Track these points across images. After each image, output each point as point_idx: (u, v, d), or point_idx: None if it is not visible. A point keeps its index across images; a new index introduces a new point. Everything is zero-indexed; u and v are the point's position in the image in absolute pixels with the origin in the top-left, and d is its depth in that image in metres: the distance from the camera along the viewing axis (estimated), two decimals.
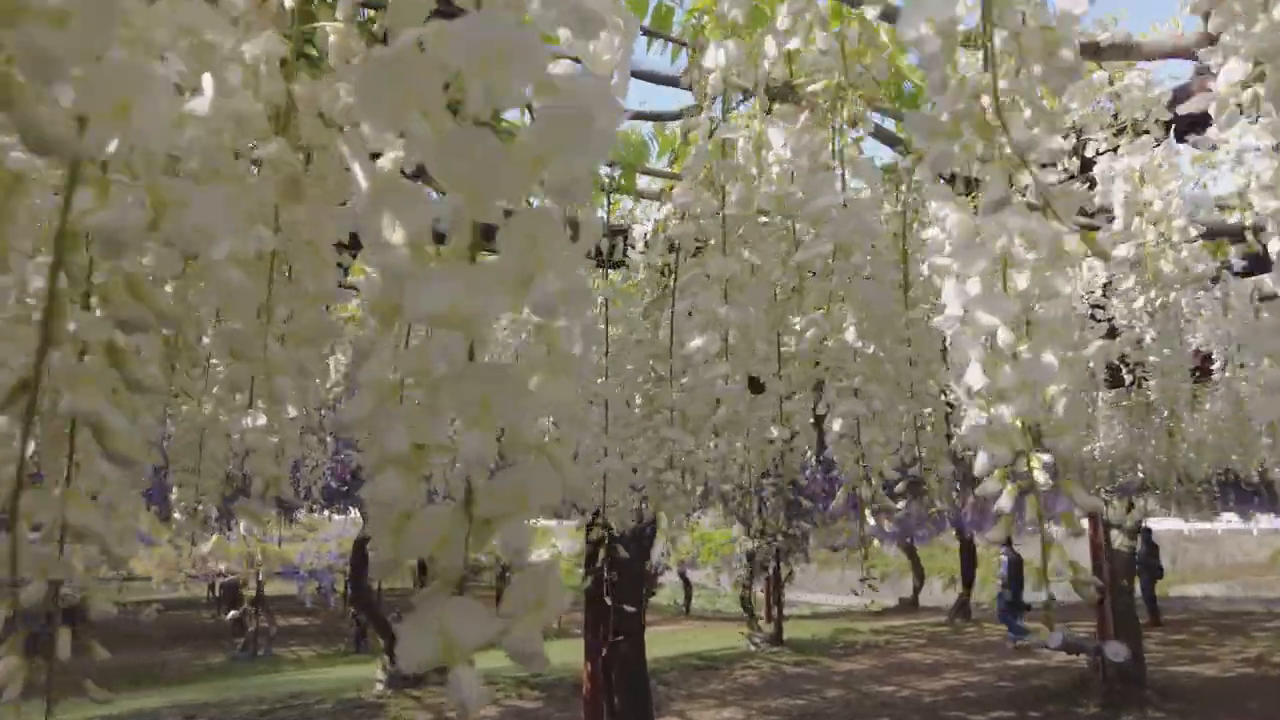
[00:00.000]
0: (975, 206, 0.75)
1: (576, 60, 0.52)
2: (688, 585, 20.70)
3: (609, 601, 7.57)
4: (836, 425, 1.20)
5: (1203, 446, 4.25)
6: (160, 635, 18.23)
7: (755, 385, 0.86)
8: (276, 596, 18.23)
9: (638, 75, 1.70)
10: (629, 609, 7.19)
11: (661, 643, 15.31)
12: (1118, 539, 9.65)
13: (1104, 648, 8.56)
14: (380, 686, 10.67)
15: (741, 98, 1.09)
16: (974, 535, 15.57)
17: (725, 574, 18.96)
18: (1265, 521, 18.30)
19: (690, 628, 18.37)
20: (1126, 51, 1.36)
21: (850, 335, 1.15)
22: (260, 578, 16.82)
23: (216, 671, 15.93)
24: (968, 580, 16.15)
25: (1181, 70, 2.28)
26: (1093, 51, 1.28)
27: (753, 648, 13.22)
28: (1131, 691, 9.31)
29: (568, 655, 10.24)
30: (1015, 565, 13.32)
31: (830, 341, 1.17)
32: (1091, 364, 3.01)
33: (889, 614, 18.65)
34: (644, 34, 1.74)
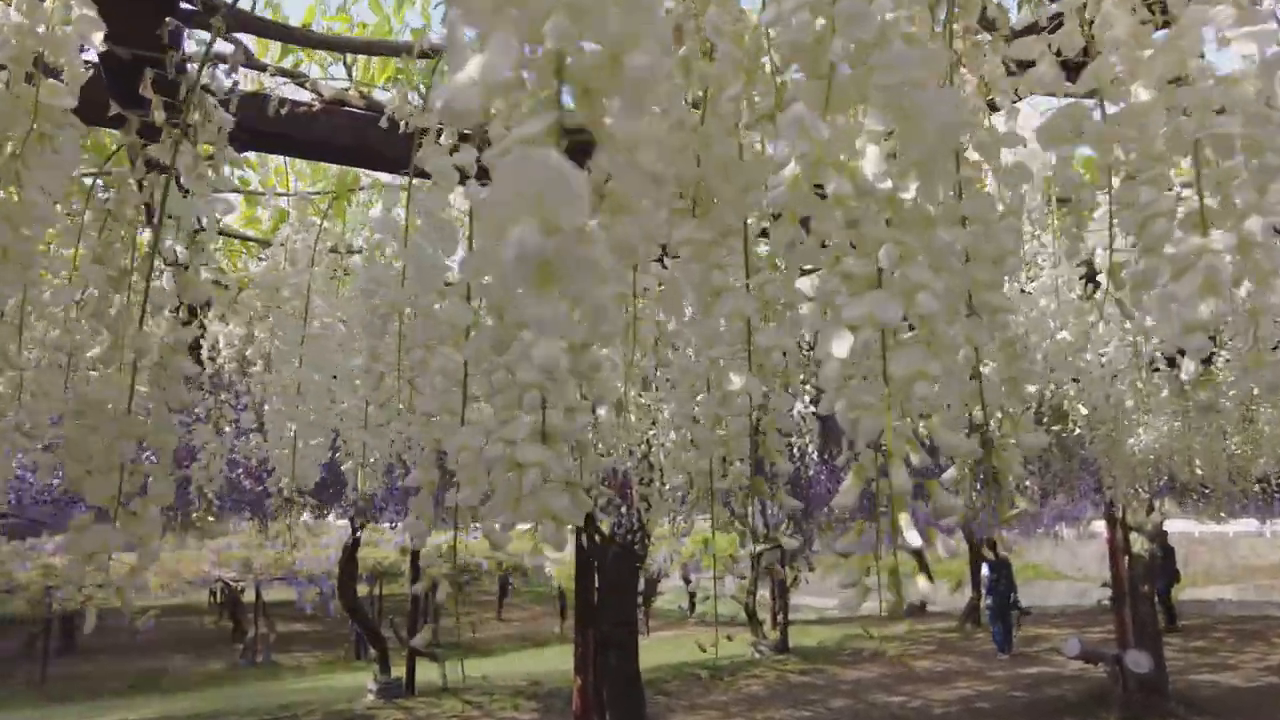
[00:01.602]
0: None
1: None
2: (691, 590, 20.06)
3: (603, 609, 7.01)
4: (840, 348, 0.61)
5: (1259, 439, 3.63)
6: (162, 641, 17.72)
7: (580, 152, 0.31)
8: (277, 602, 17.69)
9: None
10: (621, 616, 6.60)
11: (663, 649, 14.67)
12: (1137, 542, 8.99)
13: (1124, 657, 7.91)
14: (371, 697, 10.08)
15: None
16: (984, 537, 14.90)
17: (730, 577, 18.35)
18: None
19: (693, 633, 17.73)
20: None
21: (873, 161, 0.57)
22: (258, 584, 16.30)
23: (216, 679, 15.39)
24: (977, 584, 15.44)
25: None
26: None
27: (757, 655, 12.58)
28: (1154, 702, 8.64)
29: (567, 663, 9.65)
30: (1002, 568, 12.61)
31: (831, 186, 0.59)
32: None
33: (895, 619, 17.96)
34: None
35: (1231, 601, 17.53)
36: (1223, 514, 14.11)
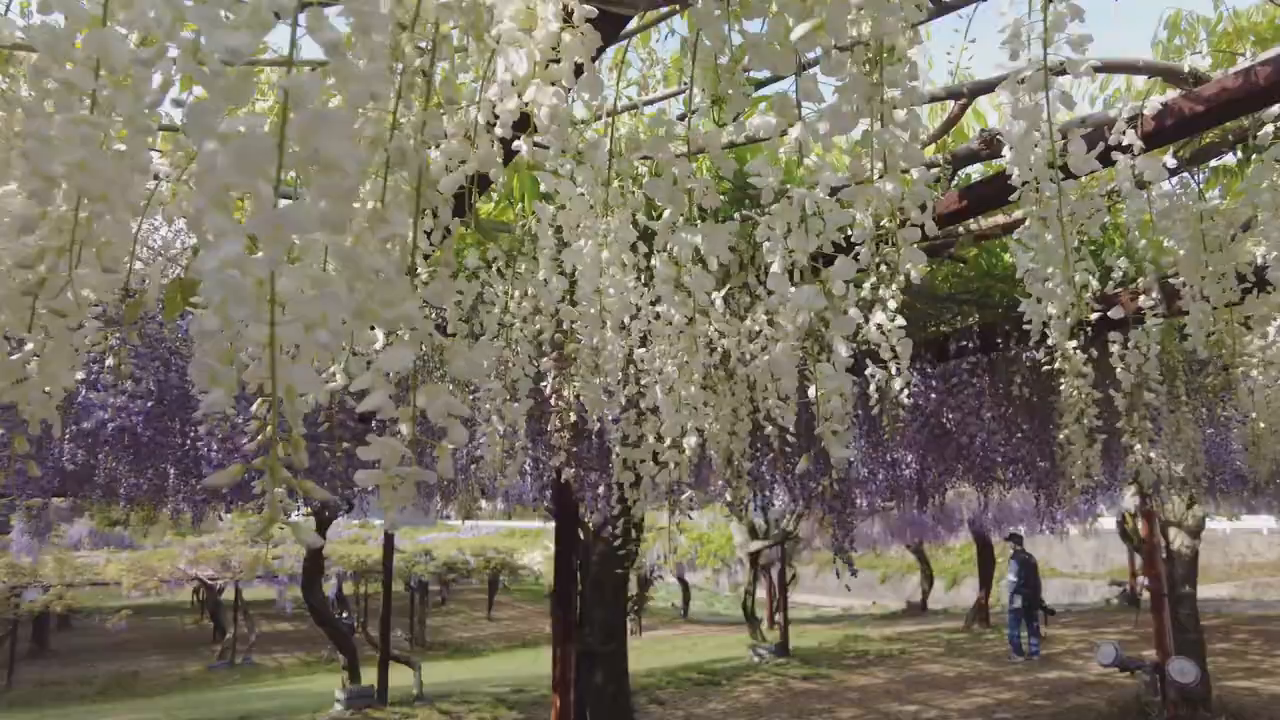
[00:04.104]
0: None
1: None
2: (685, 588, 18.91)
3: (585, 613, 5.82)
4: None
5: None
6: (139, 643, 16.51)
7: None
8: (259, 601, 16.49)
9: None
10: (607, 627, 5.46)
11: (657, 651, 13.50)
12: (1177, 539, 7.88)
13: (1169, 666, 6.67)
14: (339, 706, 8.90)
15: None
16: (990, 534, 13.81)
17: (724, 576, 17.25)
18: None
19: (688, 633, 16.57)
20: None
21: None
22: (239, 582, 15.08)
23: (192, 682, 14.19)
24: (985, 582, 14.30)
25: None
26: None
27: (756, 659, 11.43)
28: (1197, 714, 7.54)
29: (550, 667, 8.51)
30: (1027, 568, 11.53)
31: None
32: None
33: (896, 619, 16.85)
34: None
35: (1246, 601, 16.44)
36: (1239, 509, 13.05)
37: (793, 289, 0.84)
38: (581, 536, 5.43)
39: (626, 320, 1.51)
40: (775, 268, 0.85)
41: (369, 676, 9.36)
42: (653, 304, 1.44)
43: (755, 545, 11.81)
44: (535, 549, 17.86)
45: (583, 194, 1.26)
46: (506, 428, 1.63)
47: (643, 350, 1.56)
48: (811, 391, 0.89)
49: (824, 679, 10.19)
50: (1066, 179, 1.13)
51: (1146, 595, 10.74)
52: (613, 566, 5.29)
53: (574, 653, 5.16)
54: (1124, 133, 1.39)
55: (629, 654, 6.59)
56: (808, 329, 0.82)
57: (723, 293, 1.63)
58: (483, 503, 9.56)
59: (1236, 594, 18.36)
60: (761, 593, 14.08)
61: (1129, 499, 11.29)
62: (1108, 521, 14.63)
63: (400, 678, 9.62)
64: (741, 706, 9.03)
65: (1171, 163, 1.32)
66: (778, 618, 12.46)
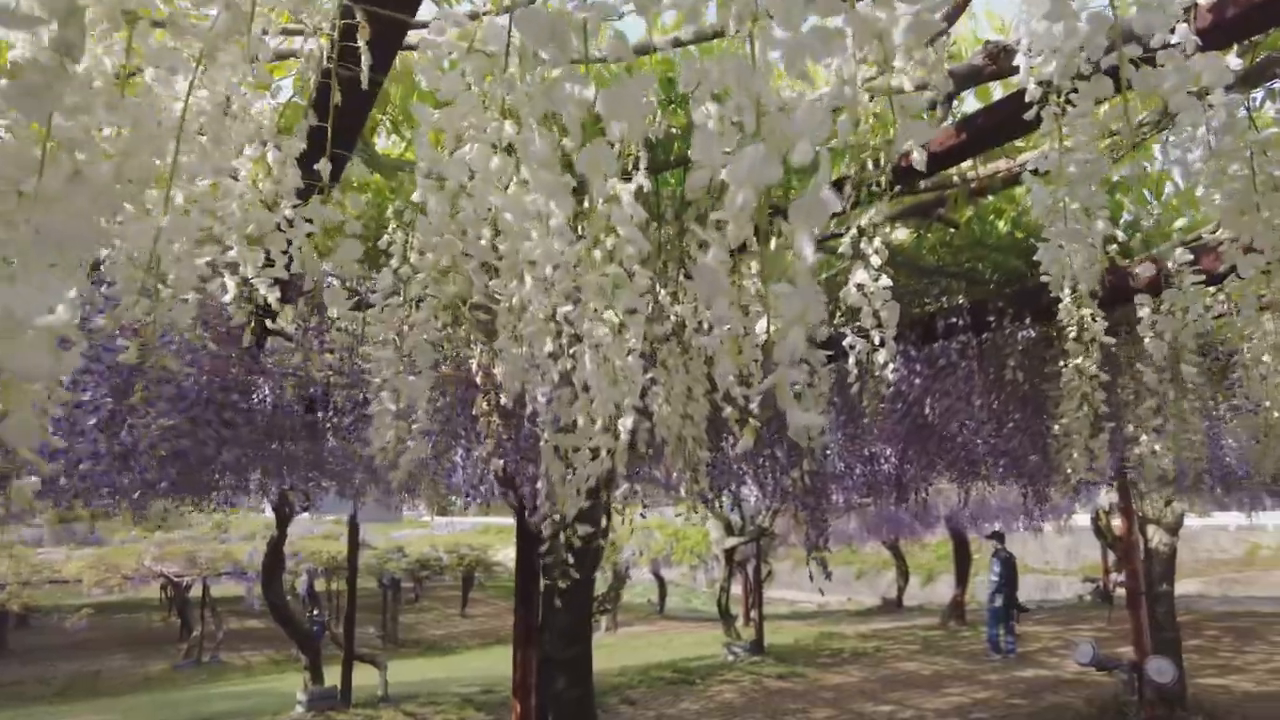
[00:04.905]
0: None
1: None
2: (662, 584, 18.62)
3: (550, 615, 5.47)
4: None
5: None
6: (103, 641, 15.97)
7: None
8: (227, 598, 16.00)
9: None
10: (572, 632, 5.13)
11: (632, 648, 13.19)
12: (1155, 536, 7.67)
13: (1146, 667, 6.45)
14: (300, 709, 8.50)
15: None
16: (966, 530, 13.61)
17: (701, 572, 16.98)
18: (1260, 518, 16.39)
19: (664, 629, 16.27)
20: None
21: None
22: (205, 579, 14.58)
23: (156, 681, 13.69)
24: (961, 579, 14.10)
25: None
26: None
27: (731, 657, 11.14)
28: (1174, 714, 7.34)
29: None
30: (1008, 567, 11.36)
31: None
32: None
33: (872, 615, 16.64)
34: None
35: (1214, 598, 16.39)
36: (1210, 506, 12.94)
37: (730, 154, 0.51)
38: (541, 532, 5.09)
39: (549, 270, 1.16)
40: (710, 125, 0.53)
41: (335, 676, 8.98)
42: (589, 251, 1.10)
43: (731, 541, 11.52)
44: (510, 545, 17.48)
45: (470, 86, 0.93)
46: (404, 406, 1.31)
47: (568, 308, 1.22)
48: (761, 325, 0.57)
49: (799, 678, 9.92)
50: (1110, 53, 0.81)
51: (1120, 592, 10.58)
52: (577, 565, 4.97)
53: (535, 657, 4.84)
54: (1173, 30, 1.08)
55: (601, 652, 6.27)
56: (754, 214, 0.49)
57: (633, 186, 1.30)
58: (454, 498, 9.20)
59: (1204, 590, 18.33)
60: (737, 589, 13.82)
61: (1104, 495, 11.12)
62: (1081, 518, 14.50)
63: (367, 677, 9.24)
64: (715, 707, 8.73)
65: (1236, 64, 1.03)
66: (753, 614, 12.19)
